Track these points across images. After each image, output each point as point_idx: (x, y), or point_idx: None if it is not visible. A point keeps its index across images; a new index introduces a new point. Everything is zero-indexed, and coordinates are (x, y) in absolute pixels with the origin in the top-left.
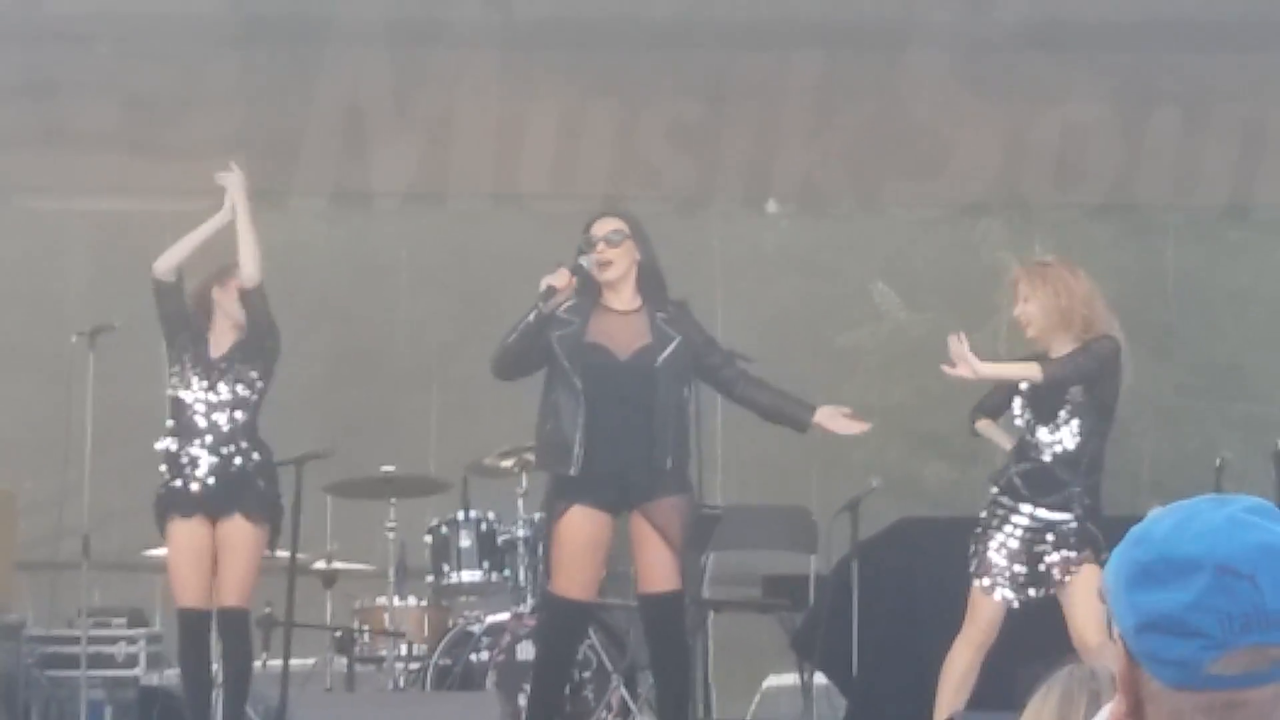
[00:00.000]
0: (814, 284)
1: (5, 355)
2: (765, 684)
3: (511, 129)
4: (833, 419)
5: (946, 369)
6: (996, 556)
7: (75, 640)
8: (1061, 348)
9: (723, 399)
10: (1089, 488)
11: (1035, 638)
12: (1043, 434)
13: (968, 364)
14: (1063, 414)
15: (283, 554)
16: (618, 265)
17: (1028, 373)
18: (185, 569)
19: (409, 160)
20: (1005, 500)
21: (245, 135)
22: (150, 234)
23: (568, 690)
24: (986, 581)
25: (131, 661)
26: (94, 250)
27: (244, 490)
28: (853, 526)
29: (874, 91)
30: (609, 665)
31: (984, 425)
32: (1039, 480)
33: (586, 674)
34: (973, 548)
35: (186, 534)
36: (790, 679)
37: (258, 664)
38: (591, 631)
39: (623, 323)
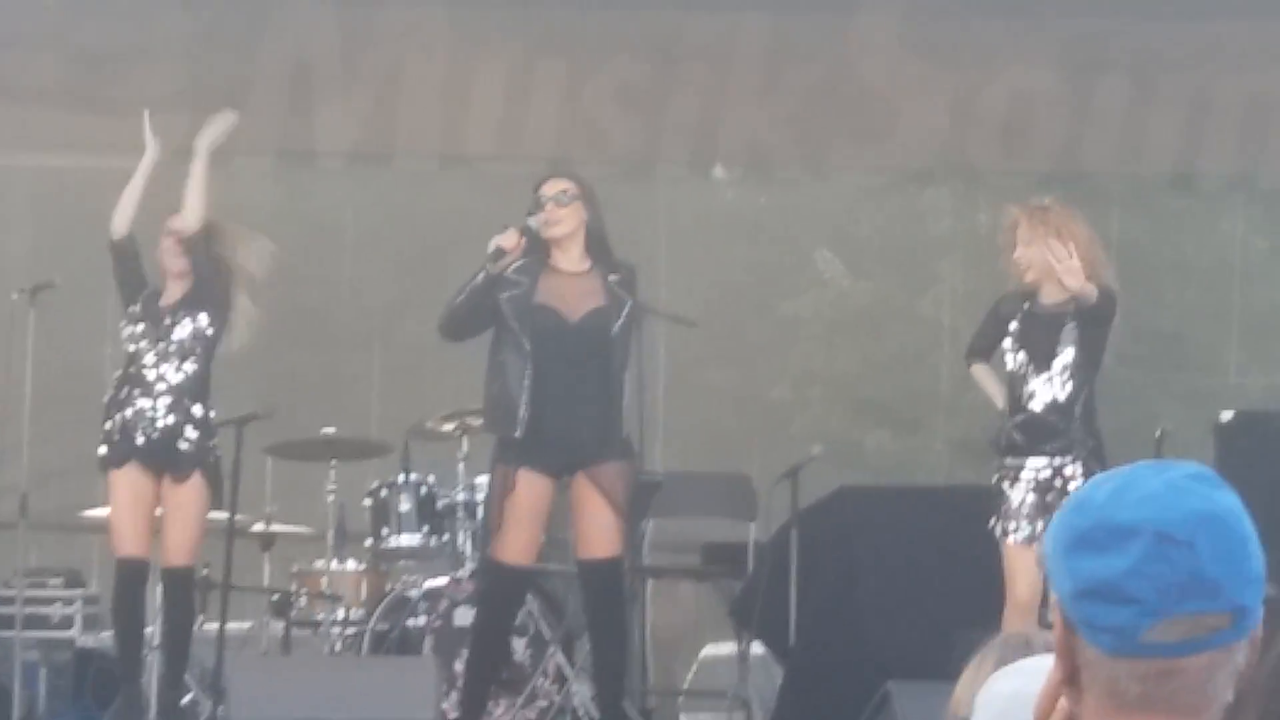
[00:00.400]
0: (759, 250)
1: None
2: (703, 652)
3: (458, 89)
4: None
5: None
6: (1022, 511)
7: (10, 601)
8: (1056, 294)
9: (665, 365)
10: (1090, 432)
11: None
12: (1035, 382)
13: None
14: (1057, 361)
15: (221, 515)
16: (565, 223)
17: (1086, 290)
18: (126, 518)
19: (355, 119)
20: (1010, 460)
21: (190, 92)
22: (93, 191)
23: (505, 657)
24: (1010, 528)
25: (67, 623)
26: (36, 207)
27: (190, 446)
28: (793, 494)
29: (822, 55)
30: (546, 632)
31: (980, 371)
32: (1036, 430)
33: (524, 640)
34: (994, 519)
35: (128, 483)
36: (728, 647)
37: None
38: (529, 597)
39: (572, 284)
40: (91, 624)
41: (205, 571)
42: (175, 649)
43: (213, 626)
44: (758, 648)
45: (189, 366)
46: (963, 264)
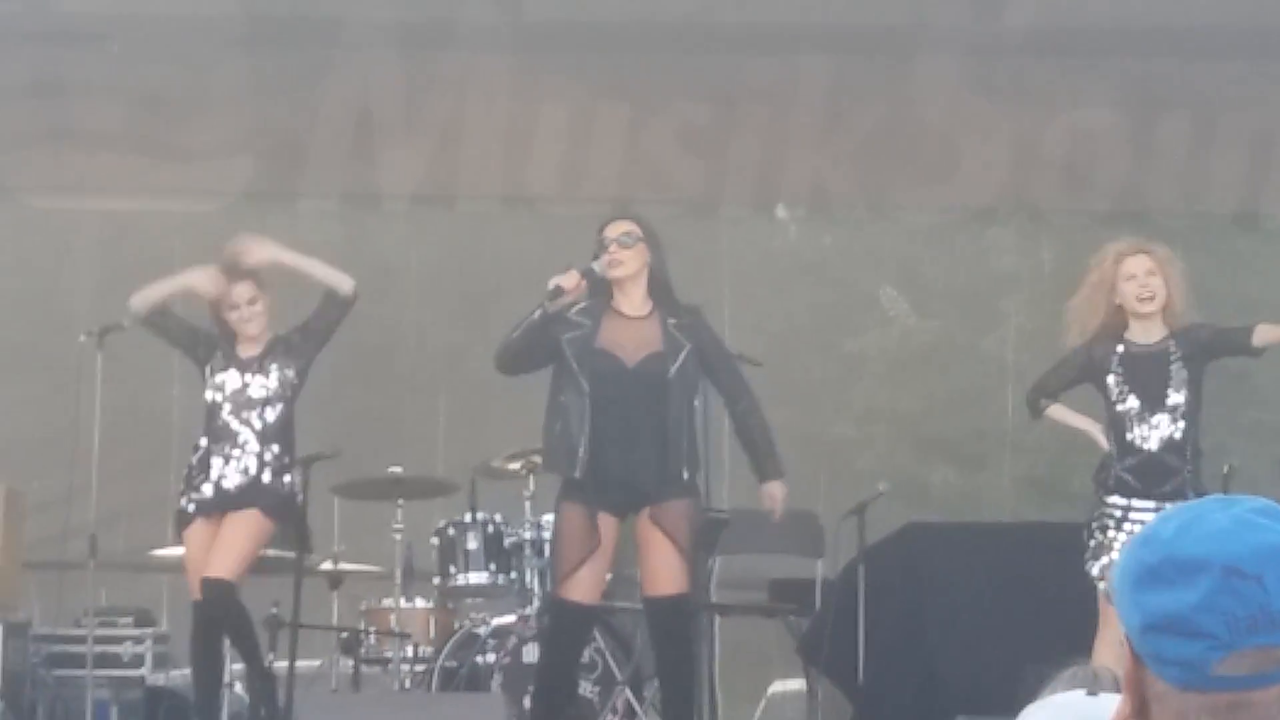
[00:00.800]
0: (823, 289)
1: (13, 355)
2: (771, 689)
3: (520, 132)
4: (770, 497)
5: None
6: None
7: (81, 640)
8: (1152, 333)
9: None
10: (1195, 471)
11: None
12: (1149, 423)
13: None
14: (1169, 401)
15: (290, 555)
16: (628, 265)
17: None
18: (197, 557)
19: (418, 163)
20: (1118, 500)
21: (254, 137)
22: (158, 234)
23: (572, 694)
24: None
25: (138, 661)
26: (101, 250)
27: (245, 480)
28: (859, 531)
29: (883, 96)
30: (615, 669)
31: (1055, 410)
32: (1151, 471)
33: (592, 678)
34: (1090, 559)
35: (196, 530)
36: (796, 684)
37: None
38: (597, 635)
39: (633, 329)
40: (161, 662)
41: (274, 610)
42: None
43: (282, 664)
44: (826, 684)
45: (269, 414)
46: (1026, 302)
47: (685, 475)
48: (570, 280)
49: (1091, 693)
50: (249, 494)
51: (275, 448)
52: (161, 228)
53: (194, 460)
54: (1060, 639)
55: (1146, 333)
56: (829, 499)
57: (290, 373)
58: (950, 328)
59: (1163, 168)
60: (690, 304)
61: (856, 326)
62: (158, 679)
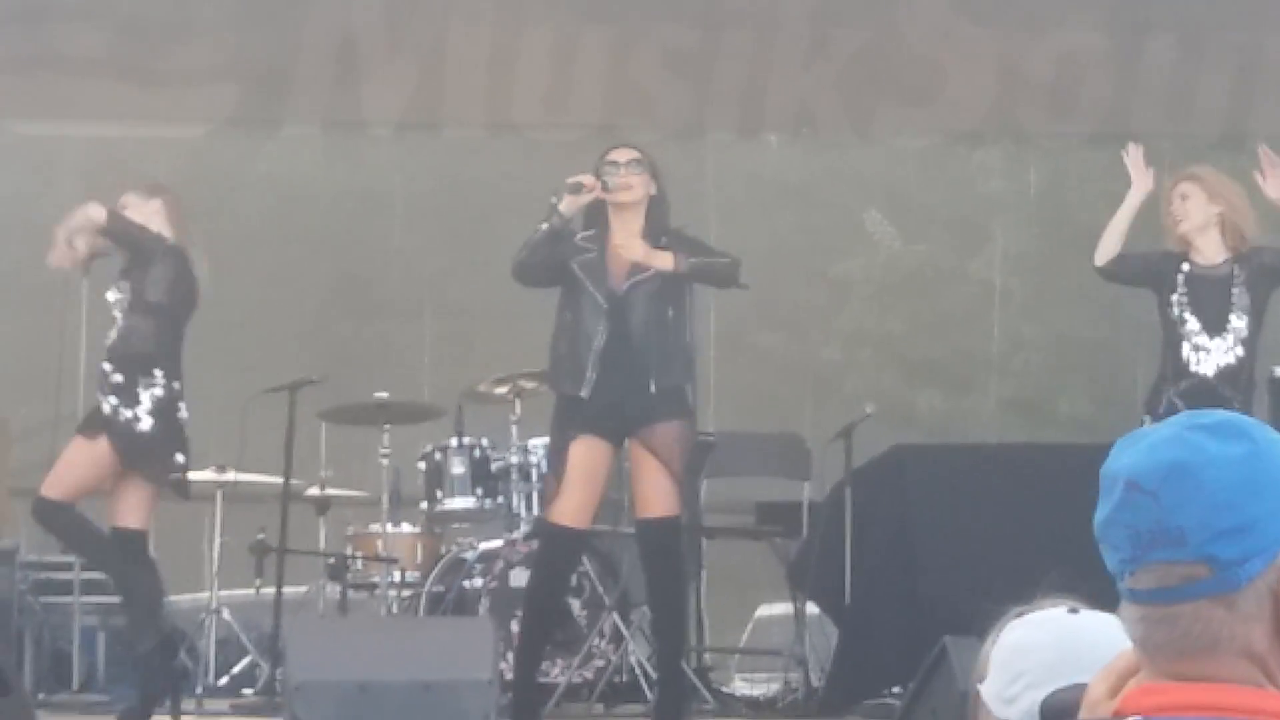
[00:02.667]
0: (809, 213)
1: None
2: (758, 612)
3: (504, 57)
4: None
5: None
6: None
7: (69, 566)
8: (1213, 254)
9: (715, 329)
10: (1247, 401)
11: None
12: (1210, 344)
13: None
14: (1232, 319)
15: (276, 480)
16: (635, 190)
17: None
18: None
19: (402, 89)
20: None
21: (238, 63)
22: (142, 159)
23: (562, 617)
24: None
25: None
26: (86, 176)
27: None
28: (846, 454)
29: (868, 20)
30: (602, 593)
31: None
32: (1202, 398)
33: (579, 601)
34: None
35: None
36: (783, 607)
37: (250, 591)
38: (585, 558)
39: (622, 254)
40: None
41: (262, 536)
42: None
43: (270, 590)
44: (813, 607)
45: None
46: (1013, 224)
47: (654, 387)
48: (589, 178)
49: (1073, 610)
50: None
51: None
52: (146, 153)
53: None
54: (1048, 561)
55: (1209, 254)
56: (815, 422)
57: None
58: (936, 251)
59: (1149, 89)
60: (674, 227)
61: (843, 250)
62: None
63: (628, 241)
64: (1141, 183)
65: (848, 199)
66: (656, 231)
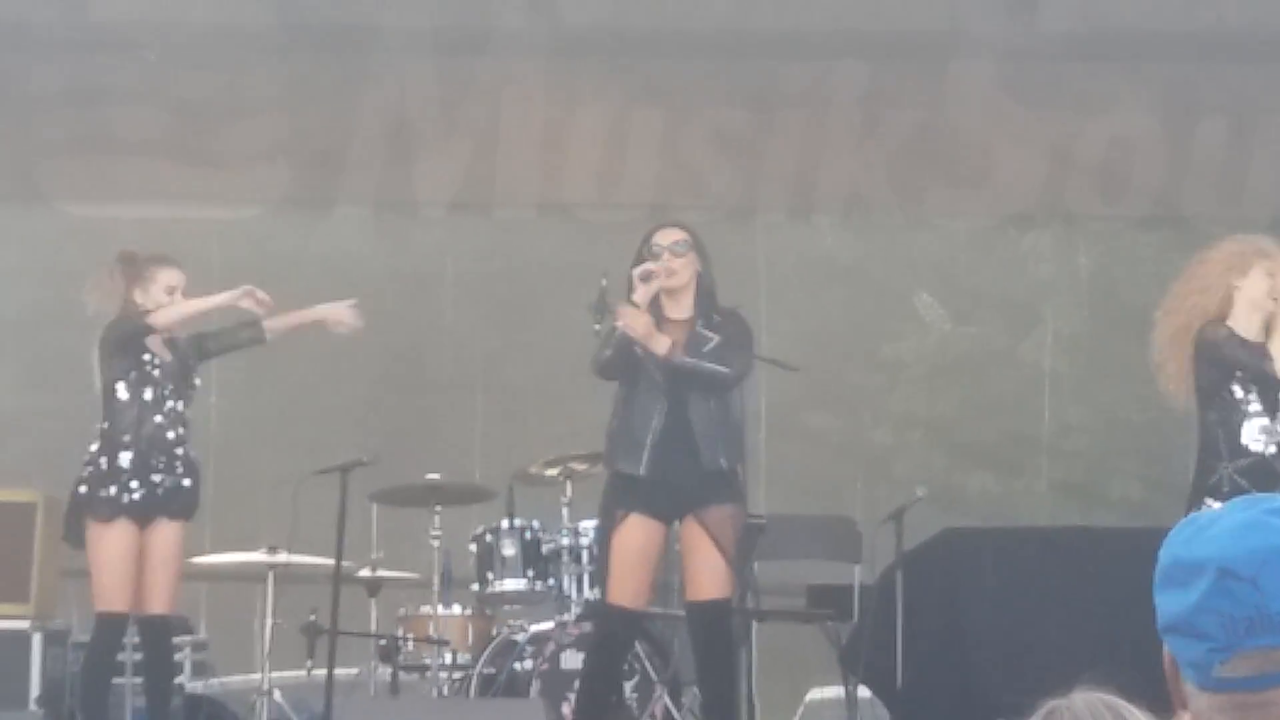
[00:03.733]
0: (859, 294)
1: (51, 362)
2: (809, 696)
3: (556, 138)
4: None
5: None
6: None
7: (121, 648)
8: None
9: (766, 410)
10: None
11: None
12: (1259, 418)
13: None
14: None
15: (327, 562)
16: (681, 275)
17: None
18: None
19: (454, 169)
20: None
21: (290, 144)
22: (194, 241)
23: (616, 699)
24: None
25: (176, 669)
26: None
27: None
28: (897, 537)
29: (919, 101)
30: (653, 675)
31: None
32: (1263, 477)
33: (631, 683)
34: None
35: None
36: (834, 691)
37: (302, 672)
38: (636, 640)
39: (674, 331)
40: (200, 670)
41: (313, 617)
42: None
43: (321, 671)
44: (864, 691)
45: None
46: (1063, 308)
47: (717, 466)
48: (656, 266)
49: None
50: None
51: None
52: (198, 235)
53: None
54: (1100, 645)
55: (1258, 329)
56: (866, 504)
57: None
58: (987, 334)
59: (1200, 172)
60: (728, 307)
61: (893, 332)
62: (196, 686)
63: (632, 318)
64: None
65: (898, 281)
66: (707, 311)
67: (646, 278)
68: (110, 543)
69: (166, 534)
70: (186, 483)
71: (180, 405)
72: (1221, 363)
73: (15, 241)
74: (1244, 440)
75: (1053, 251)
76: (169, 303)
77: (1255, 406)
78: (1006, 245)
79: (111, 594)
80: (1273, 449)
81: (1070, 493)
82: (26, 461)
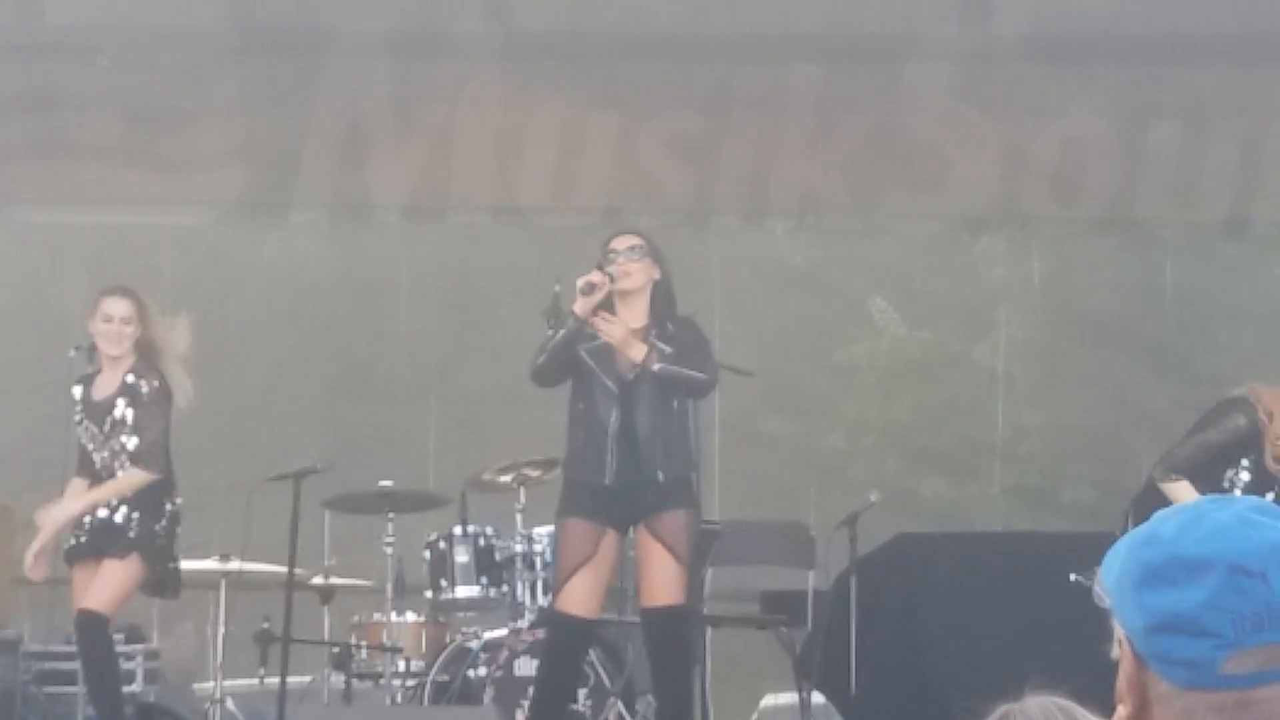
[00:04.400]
0: (813, 299)
1: (4, 368)
2: (763, 702)
3: (511, 142)
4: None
5: None
6: None
7: (72, 656)
8: None
9: (721, 415)
10: None
11: None
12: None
13: None
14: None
15: (280, 569)
16: (636, 277)
17: None
18: None
19: (409, 173)
20: None
21: (245, 148)
22: (149, 246)
23: (570, 707)
24: None
25: (128, 678)
26: (93, 263)
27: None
28: (851, 542)
29: (873, 105)
30: (607, 682)
31: (1181, 488)
32: None
33: (584, 690)
34: None
35: None
36: (789, 697)
37: (255, 680)
38: (590, 647)
39: (632, 339)
40: (152, 678)
41: (266, 625)
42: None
43: (274, 679)
44: (818, 697)
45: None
46: (1017, 311)
47: (662, 477)
48: (598, 277)
49: None
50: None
51: None
52: (153, 240)
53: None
54: (1052, 649)
55: None
56: (820, 510)
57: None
58: (941, 338)
59: (1153, 175)
60: (684, 315)
61: (847, 337)
62: (148, 695)
63: (608, 326)
64: None
65: (852, 285)
66: (662, 318)
67: (588, 290)
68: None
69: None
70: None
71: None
72: None
73: None
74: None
75: (1006, 255)
76: (103, 331)
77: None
78: (960, 249)
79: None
80: None
81: (1023, 497)
82: None
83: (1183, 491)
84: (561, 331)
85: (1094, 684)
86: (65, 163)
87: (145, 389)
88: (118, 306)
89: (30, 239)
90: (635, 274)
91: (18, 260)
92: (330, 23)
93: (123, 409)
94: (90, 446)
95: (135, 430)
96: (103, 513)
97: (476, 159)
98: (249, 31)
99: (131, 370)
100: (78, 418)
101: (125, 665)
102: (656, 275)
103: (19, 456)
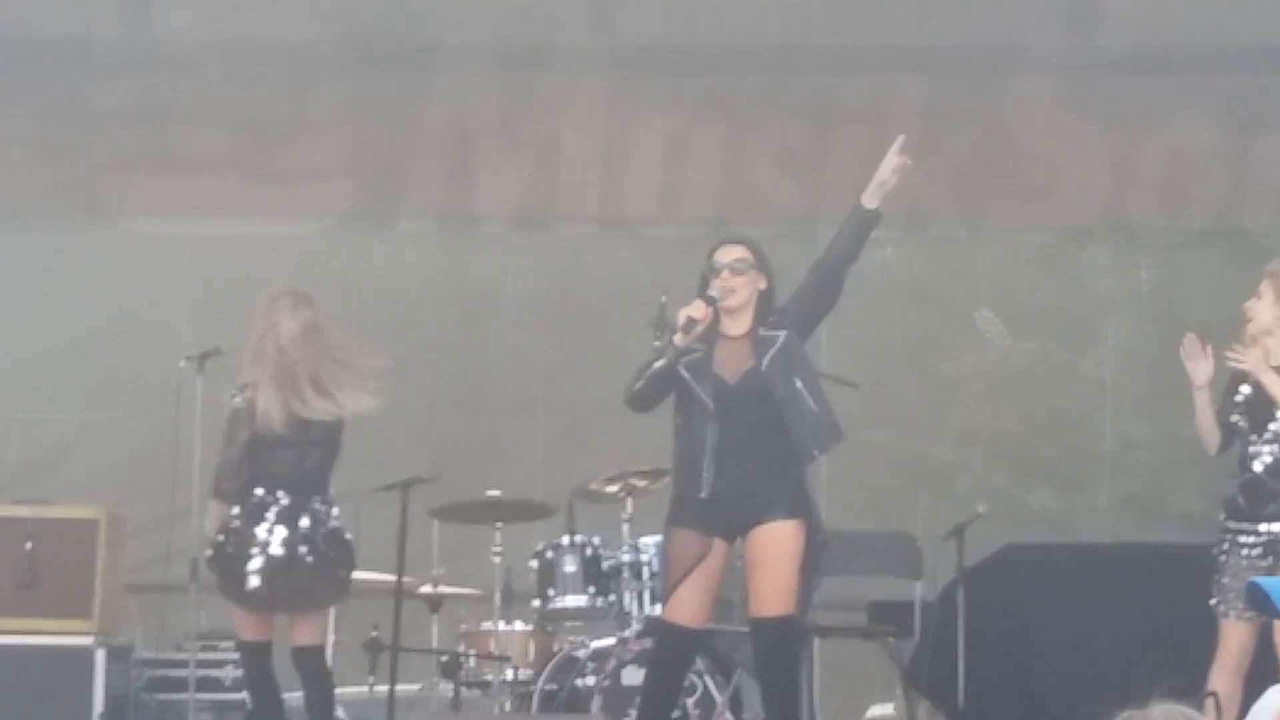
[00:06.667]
0: (919, 310)
1: (114, 380)
2: (869, 713)
3: (618, 153)
4: (881, 172)
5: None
6: (1231, 581)
7: (183, 663)
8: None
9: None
10: None
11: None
12: (1261, 440)
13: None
14: (1275, 421)
15: (389, 578)
16: (740, 293)
17: None
18: None
19: (515, 184)
20: (1231, 524)
21: (352, 160)
22: (258, 258)
23: (674, 716)
24: (1222, 607)
25: (239, 685)
26: (202, 274)
27: None
28: (958, 553)
29: (979, 116)
30: (714, 691)
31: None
32: (1256, 493)
33: (691, 699)
34: (1215, 575)
35: None
36: (894, 708)
37: (364, 688)
38: (696, 657)
39: (733, 348)
40: None
41: (375, 633)
42: None
43: (383, 688)
44: (924, 707)
45: None
46: (1124, 322)
47: (786, 483)
48: (699, 310)
49: None
50: None
51: None
52: (261, 251)
53: None
54: (1162, 660)
55: (1273, 357)
56: (927, 521)
57: None
58: (1047, 349)
59: (1260, 185)
60: (779, 304)
61: (953, 348)
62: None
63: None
64: (1199, 374)
65: (958, 296)
66: (764, 319)
67: (689, 327)
68: None
69: None
70: None
71: None
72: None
73: (79, 259)
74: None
75: (1113, 265)
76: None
77: (1245, 425)
78: (1066, 260)
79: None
80: (1260, 468)
81: (1131, 508)
82: (91, 479)
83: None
84: (661, 362)
85: (1200, 693)
86: (173, 174)
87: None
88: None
89: (138, 250)
90: (740, 289)
91: (123, 271)
92: (437, 35)
93: None
94: None
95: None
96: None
97: (583, 170)
98: (356, 44)
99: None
100: None
101: (235, 673)
102: (762, 286)
103: (127, 466)
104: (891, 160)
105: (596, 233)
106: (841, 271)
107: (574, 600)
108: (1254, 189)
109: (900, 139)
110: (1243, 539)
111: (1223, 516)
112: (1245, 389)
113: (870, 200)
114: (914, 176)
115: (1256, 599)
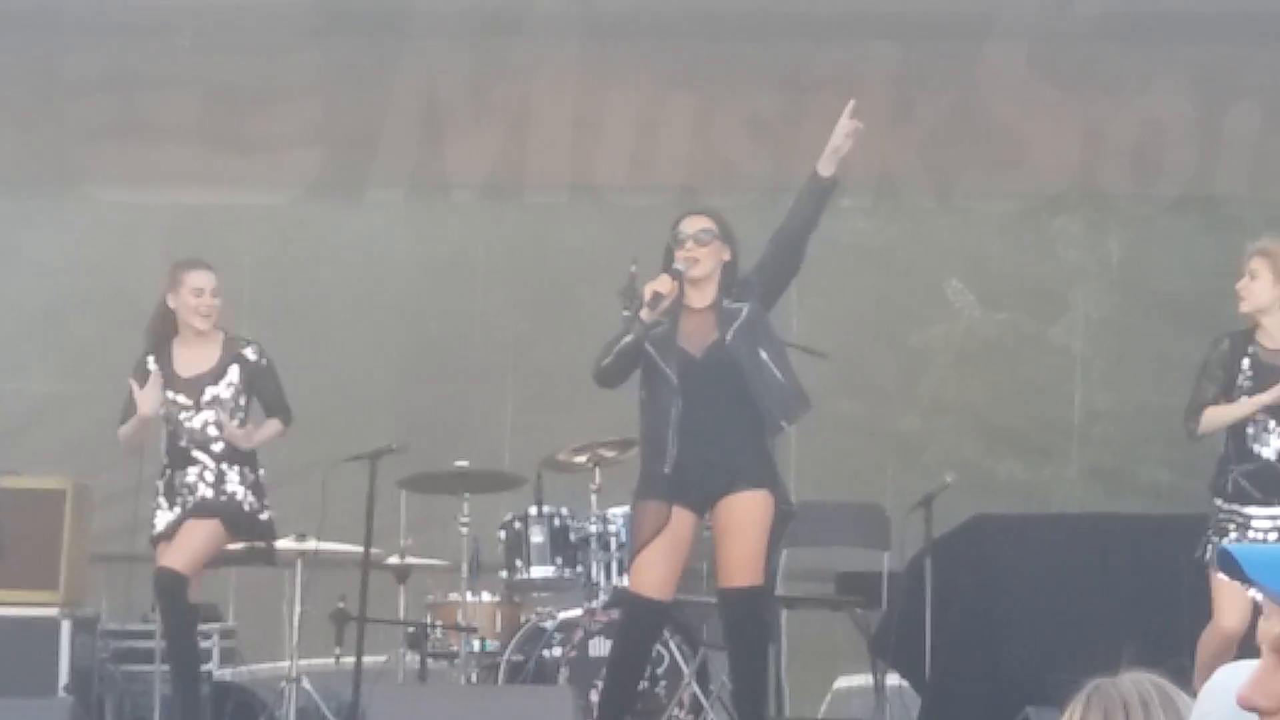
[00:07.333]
0: (888, 279)
1: (80, 349)
2: (837, 684)
3: (589, 121)
4: (834, 138)
5: None
6: None
7: (149, 635)
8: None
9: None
10: None
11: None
12: (1269, 427)
13: None
14: None
15: (356, 549)
16: (704, 264)
17: None
18: None
19: (486, 153)
20: (1233, 506)
21: (323, 128)
22: (227, 226)
23: (640, 687)
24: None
25: (204, 656)
26: (171, 243)
27: None
28: (926, 523)
29: (951, 84)
30: (681, 662)
31: (1211, 414)
32: (1267, 479)
33: (659, 670)
34: (1207, 552)
35: None
36: (863, 678)
37: (330, 659)
38: (663, 628)
39: (697, 321)
40: (228, 657)
41: (341, 604)
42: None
43: (350, 659)
44: (893, 678)
45: None
46: (1094, 292)
47: (753, 455)
48: (665, 284)
49: None
50: None
51: None
52: (231, 219)
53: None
54: (1131, 629)
55: (1275, 336)
56: (895, 491)
57: None
58: (1017, 318)
59: (1232, 155)
60: (742, 276)
61: (923, 318)
62: (224, 674)
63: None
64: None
65: (927, 265)
66: (728, 291)
67: (655, 303)
68: None
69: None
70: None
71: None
72: None
73: (48, 228)
74: (1248, 444)
75: (1084, 235)
76: (194, 305)
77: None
78: (1037, 229)
79: None
80: (1272, 454)
81: (1099, 479)
82: (58, 449)
83: (1215, 415)
84: (629, 338)
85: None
86: (143, 143)
87: (264, 360)
88: (208, 279)
89: (107, 219)
90: (704, 260)
91: (93, 240)
92: (408, 2)
93: (235, 379)
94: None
95: (261, 394)
96: (190, 477)
97: (554, 138)
98: (327, 11)
99: (250, 344)
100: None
101: (201, 644)
102: (726, 257)
103: (95, 436)
104: (844, 125)
105: (567, 201)
106: (801, 240)
107: (541, 571)
108: (1225, 158)
109: (851, 103)
110: (1257, 523)
111: (1223, 502)
112: (1251, 352)
113: (825, 167)
114: (885, 144)
115: (1227, 565)
